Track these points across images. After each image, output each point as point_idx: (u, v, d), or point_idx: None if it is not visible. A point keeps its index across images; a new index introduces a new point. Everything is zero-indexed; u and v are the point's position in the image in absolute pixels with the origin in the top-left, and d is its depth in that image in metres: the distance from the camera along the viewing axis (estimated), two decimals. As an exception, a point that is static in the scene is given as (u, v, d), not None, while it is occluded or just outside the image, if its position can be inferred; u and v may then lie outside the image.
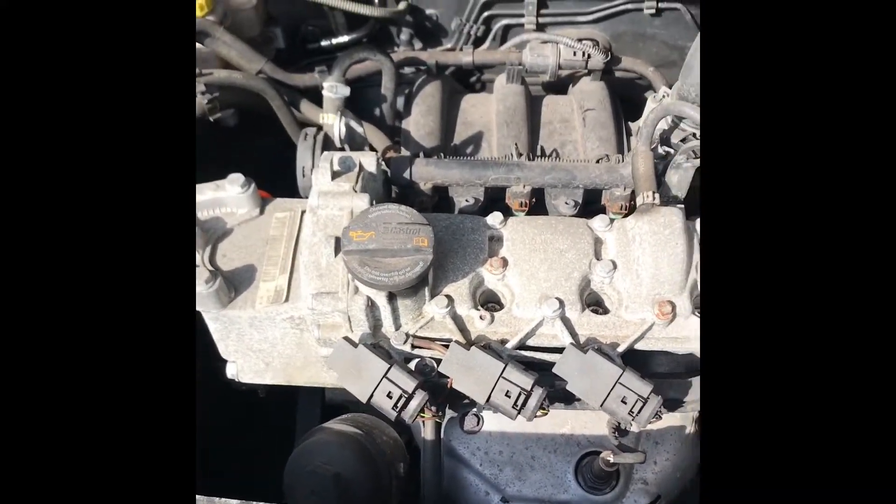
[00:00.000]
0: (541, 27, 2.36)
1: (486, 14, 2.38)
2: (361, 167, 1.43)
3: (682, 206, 1.47)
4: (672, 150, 1.55)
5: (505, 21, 2.39)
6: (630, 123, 1.92)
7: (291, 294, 1.44)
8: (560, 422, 1.47)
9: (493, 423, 1.48)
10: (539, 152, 1.81)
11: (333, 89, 1.71)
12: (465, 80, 2.38)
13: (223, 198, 1.54)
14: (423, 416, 1.32)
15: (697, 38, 1.45)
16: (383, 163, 1.57)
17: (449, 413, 1.47)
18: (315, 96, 1.93)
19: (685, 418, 1.49)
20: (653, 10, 2.19)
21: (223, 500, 1.13)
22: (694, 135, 1.51)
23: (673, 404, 1.39)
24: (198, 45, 1.90)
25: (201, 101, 1.78)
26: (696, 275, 1.39)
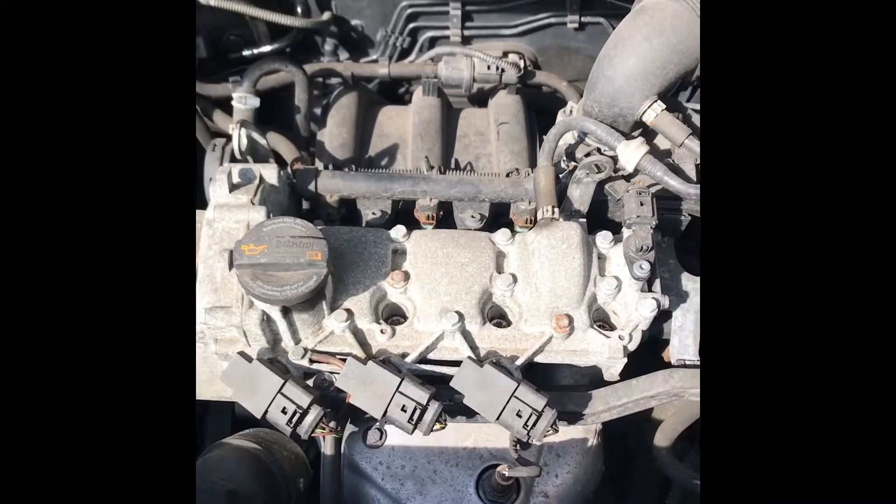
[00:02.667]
0: (466, 40, 2.38)
1: (411, 26, 2.38)
2: (262, 179, 1.41)
3: (584, 220, 1.49)
4: (577, 165, 1.57)
5: (430, 33, 2.40)
6: (543, 136, 1.93)
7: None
8: (463, 435, 1.47)
9: (396, 437, 1.47)
10: (453, 165, 1.82)
11: (243, 100, 1.69)
12: (394, 92, 2.38)
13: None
14: (320, 432, 1.30)
15: (599, 55, 1.47)
16: (292, 174, 1.56)
17: (351, 428, 1.46)
18: (229, 107, 1.92)
19: (587, 430, 1.50)
20: (576, 25, 2.22)
21: None
22: (598, 150, 1.53)
23: (573, 417, 1.41)
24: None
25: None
26: (594, 288, 1.40)
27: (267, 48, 2.32)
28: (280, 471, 1.39)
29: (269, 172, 1.43)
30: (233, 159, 1.61)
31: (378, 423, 1.46)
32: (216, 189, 1.37)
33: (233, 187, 1.38)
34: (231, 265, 1.29)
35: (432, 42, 2.44)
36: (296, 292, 1.21)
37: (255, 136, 1.60)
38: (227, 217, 1.35)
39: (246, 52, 2.33)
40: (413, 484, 1.44)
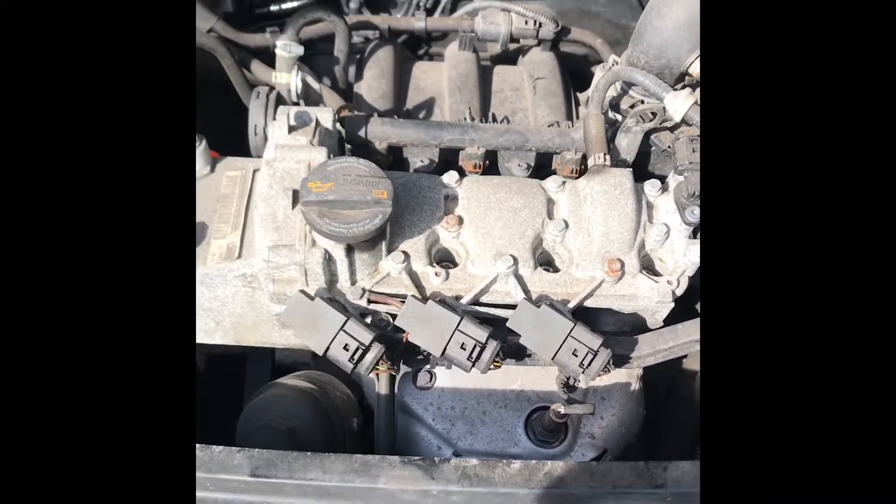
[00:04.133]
0: (489, -1, 2.39)
1: (436, -16, 2.39)
2: (318, 122, 1.42)
3: (631, 168, 1.52)
4: (620, 116, 1.60)
5: (454, -7, 2.41)
6: (578, 94, 1.95)
7: (244, 251, 1.44)
8: (510, 378, 1.50)
9: (445, 379, 1.50)
10: (491, 118, 1.83)
11: (287, 48, 1.69)
12: (414, 52, 2.39)
13: (173, 154, 1.51)
14: (378, 370, 1.33)
15: (647, 6, 1.49)
16: (338, 122, 1.57)
17: (403, 369, 1.48)
18: (265, 57, 1.91)
19: (630, 375, 1.54)
20: (598, -12, 2.23)
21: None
22: (642, 101, 1.55)
23: (620, 360, 1.44)
24: None
25: (150, 56, 1.74)
26: (643, 235, 1.43)
27: (293, 4, 2.32)
28: (335, 410, 1.42)
29: (325, 116, 1.44)
30: (278, 104, 1.61)
31: (429, 365, 1.49)
32: (275, 130, 1.38)
33: (290, 129, 1.39)
34: (295, 203, 1.31)
35: (455, 2, 2.44)
36: (363, 229, 1.22)
37: (310, 80, 1.61)
38: (287, 157, 1.36)
39: (273, 8, 2.33)
40: (464, 424, 1.47)
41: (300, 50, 1.71)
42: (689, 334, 1.45)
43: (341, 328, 1.26)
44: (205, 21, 1.84)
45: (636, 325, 1.52)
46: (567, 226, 1.42)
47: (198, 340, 1.57)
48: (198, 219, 1.47)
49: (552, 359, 1.29)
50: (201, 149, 1.54)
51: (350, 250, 1.30)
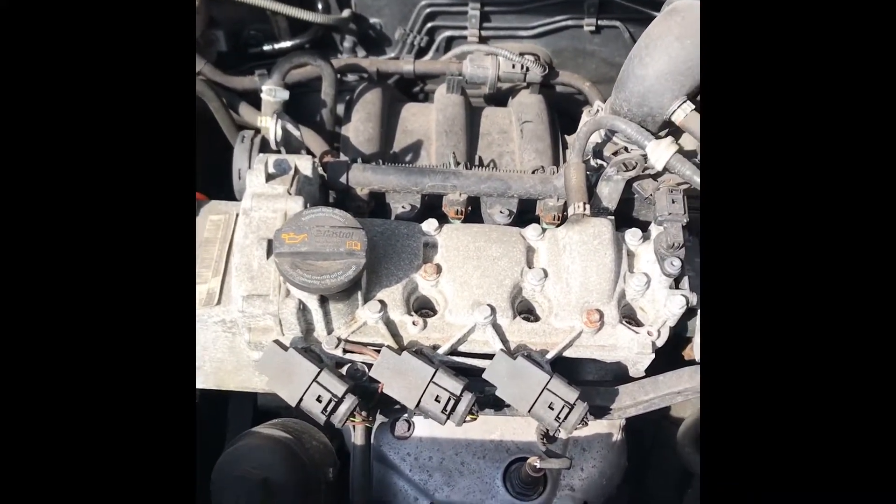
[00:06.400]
0: (483, 40, 2.39)
1: (429, 25, 2.40)
2: (297, 170, 1.42)
3: (612, 217, 1.51)
4: (604, 163, 1.59)
5: (448, 33, 2.42)
6: (567, 137, 1.95)
7: (224, 297, 1.43)
8: (490, 428, 1.49)
9: (423, 428, 1.48)
10: (477, 162, 1.83)
11: (272, 93, 1.70)
12: (408, 90, 2.40)
13: (156, 198, 1.52)
14: (352, 421, 1.31)
15: (630, 54, 1.49)
16: (320, 167, 1.57)
17: (380, 418, 1.47)
18: (254, 99, 1.92)
19: (612, 425, 1.52)
20: (592, 28, 2.24)
21: None
22: (625, 148, 1.55)
23: (600, 411, 1.42)
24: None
25: (136, 100, 1.75)
26: (623, 284, 1.42)
27: (287, 44, 2.34)
28: (310, 460, 1.40)
29: (304, 164, 1.44)
30: (262, 151, 1.62)
31: (407, 415, 1.48)
32: (253, 178, 1.38)
33: (268, 177, 1.39)
34: (269, 253, 1.31)
35: (449, 42, 2.45)
36: (335, 281, 1.22)
37: (290, 127, 1.62)
38: (264, 206, 1.36)
39: (266, 48, 2.35)
40: (441, 475, 1.45)
41: (285, 94, 1.72)
42: (670, 386, 1.43)
43: (314, 379, 1.25)
44: (193, 64, 1.86)
45: (618, 374, 1.50)
46: (546, 275, 1.41)
47: (178, 385, 1.57)
48: (180, 263, 1.47)
49: (528, 412, 1.28)
50: (185, 193, 1.54)
51: (324, 300, 1.30)
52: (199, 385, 1.57)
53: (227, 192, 1.71)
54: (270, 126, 1.61)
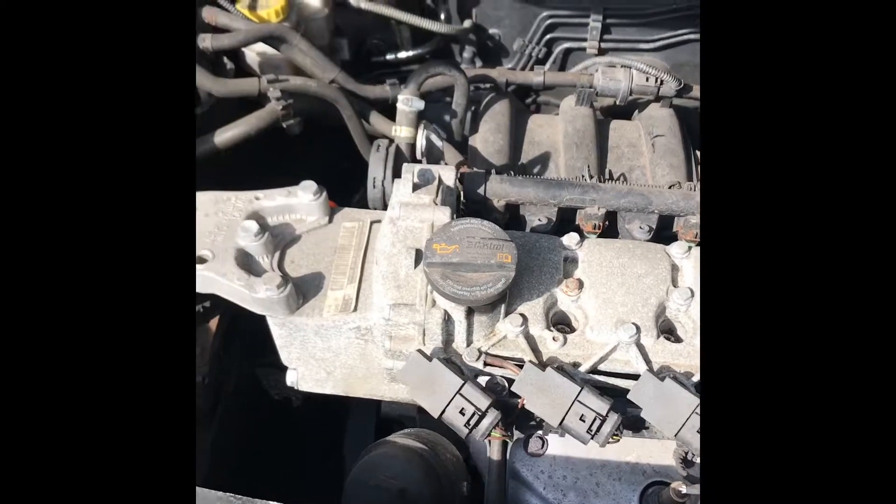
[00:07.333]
0: (602, 52, 2.37)
1: (548, 36, 2.40)
2: (441, 180, 1.42)
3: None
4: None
5: (567, 44, 2.41)
6: (698, 152, 1.90)
7: (360, 304, 1.43)
8: (626, 449, 1.45)
9: (557, 446, 1.45)
10: (608, 175, 1.80)
11: (408, 102, 1.71)
12: (522, 101, 2.39)
13: (294, 204, 1.54)
14: (492, 435, 1.30)
15: None
16: (459, 178, 1.57)
17: (515, 434, 1.45)
18: (382, 108, 1.94)
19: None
20: (716, 42, 2.18)
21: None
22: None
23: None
24: (272, 50, 1.91)
25: (276, 107, 1.79)
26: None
27: (409, 53, 2.36)
28: (445, 472, 1.39)
29: (447, 174, 1.44)
30: (397, 158, 1.62)
31: (541, 431, 1.45)
32: (400, 188, 1.38)
33: (414, 187, 1.39)
34: (417, 263, 1.30)
35: (567, 53, 2.44)
36: (485, 293, 1.20)
37: (434, 138, 1.62)
38: (411, 216, 1.36)
39: (388, 57, 2.38)
40: (575, 495, 1.42)
41: (421, 104, 1.72)
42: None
43: (458, 391, 1.23)
44: (327, 72, 1.88)
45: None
46: (693, 294, 1.36)
47: (308, 389, 1.59)
48: (315, 269, 1.49)
49: (675, 435, 1.23)
50: (321, 200, 1.56)
51: (470, 312, 1.29)
52: (328, 391, 1.58)
53: (346, 201, 1.71)
54: (417, 137, 1.62)
